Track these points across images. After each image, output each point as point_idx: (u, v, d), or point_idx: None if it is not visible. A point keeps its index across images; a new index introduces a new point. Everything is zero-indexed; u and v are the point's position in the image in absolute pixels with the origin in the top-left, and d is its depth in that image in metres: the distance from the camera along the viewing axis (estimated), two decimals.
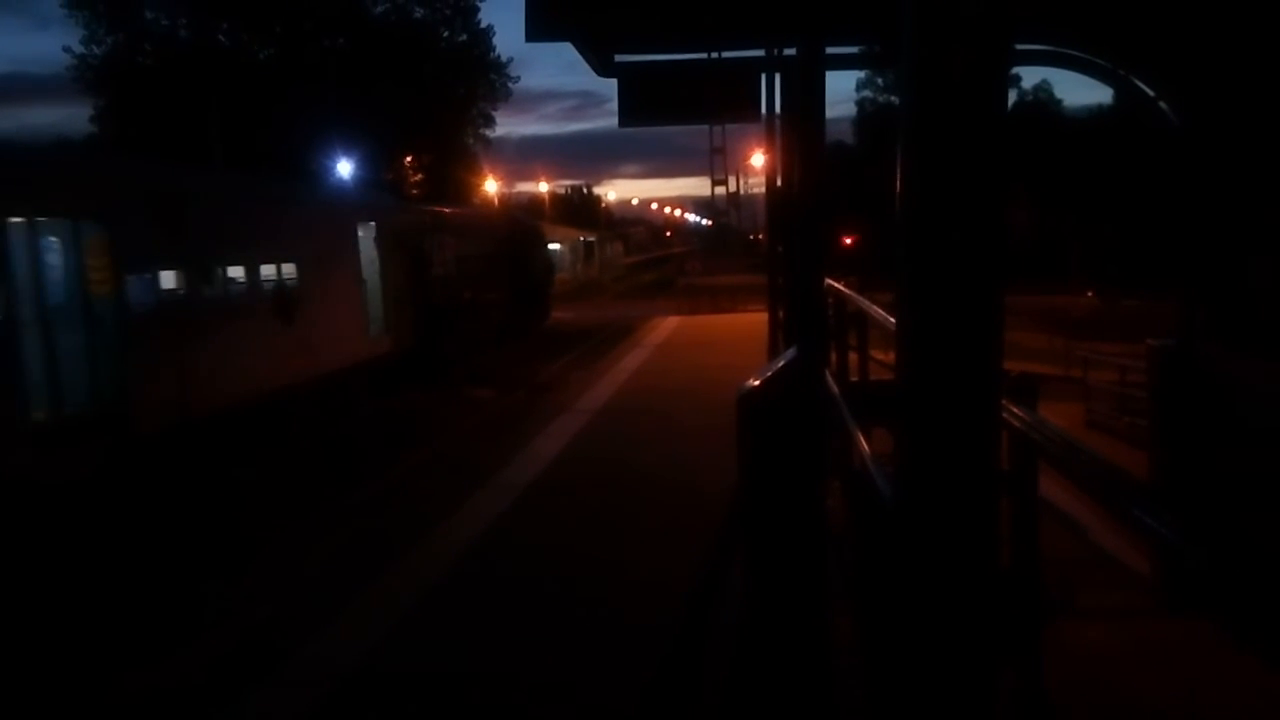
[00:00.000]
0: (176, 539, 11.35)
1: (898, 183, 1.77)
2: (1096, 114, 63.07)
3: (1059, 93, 75.86)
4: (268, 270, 18.52)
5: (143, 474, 13.27)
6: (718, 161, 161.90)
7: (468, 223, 31.92)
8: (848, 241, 58.25)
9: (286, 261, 19.12)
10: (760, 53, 10.54)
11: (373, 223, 23.37)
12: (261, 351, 17.72)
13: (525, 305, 34.13)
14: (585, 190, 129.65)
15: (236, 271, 17.44)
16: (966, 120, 1.67)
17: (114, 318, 14.01)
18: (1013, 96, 69.37)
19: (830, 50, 7.47)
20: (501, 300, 31.34)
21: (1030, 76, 70.23)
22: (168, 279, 15.37)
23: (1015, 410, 2.64)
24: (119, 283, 14.19)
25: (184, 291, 15.70)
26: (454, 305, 26.93)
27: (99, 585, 9.88)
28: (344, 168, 43.41)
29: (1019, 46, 8.81)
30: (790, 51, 8.75)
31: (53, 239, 13.54)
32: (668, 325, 28.87)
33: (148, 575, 10.14)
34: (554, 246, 56.83)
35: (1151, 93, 8.11)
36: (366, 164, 45.45)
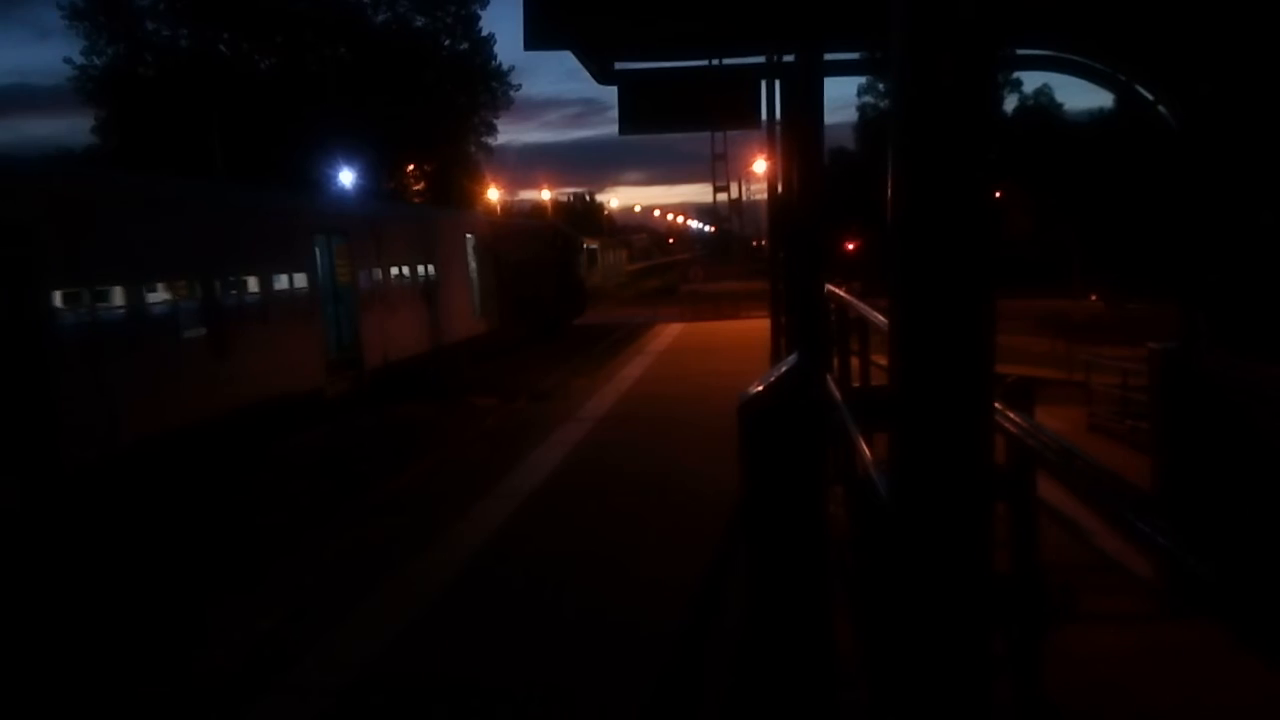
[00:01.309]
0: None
1: (889, 188, 1.77)
2: (1098, 118, 63.07)
3: (1060, 97, 75.93)
4: (420, 269, 26.90)
5: (371, 393, 22.18)
6: (719, 168, 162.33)
7: (526, 233, 40.53)
8: (850, 247, 58.27)
9: (429, 263, 27.41)
10: (760, 59, 10.56)
11: (471, 235, 31.69)
12: (419, 324, 26.28)
13: (568, 300, 41.85)
14: (588, 197, 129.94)
15: (405, 270, 25.93)
16: (956, 125, 1.68)
17: (351, 297, 23.03)
18: (1014, 101, 69.50)
19: (829, 57, 7.49)
20: (551, 296, 38.60)
21: (1031, 81, 70.29)
22: (376, 274, 24.18)
23: (1011, 415, 2.64)
24: (354, 275, 23.11)
25: (382, 282, 24.43)
26: (523, 298, 34.64)
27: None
28: (346, 177, 43.50)
29: (1020, 51, 8.83)
30: (790, 58, 8.77)
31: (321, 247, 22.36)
32: (671, 332, 28.87)
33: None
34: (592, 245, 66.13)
35: (1151, 97, 8.12)
36: (368, 172, 45.55)
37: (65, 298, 13.83)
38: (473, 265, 31.12)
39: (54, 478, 12.99)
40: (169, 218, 16.71)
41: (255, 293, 18.91)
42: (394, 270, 25.14)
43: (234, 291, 18.18)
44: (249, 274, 18.68)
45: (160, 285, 16.04)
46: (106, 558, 11.37)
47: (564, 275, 41.82)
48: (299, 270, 20.72)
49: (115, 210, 15.51)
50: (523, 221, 47.78)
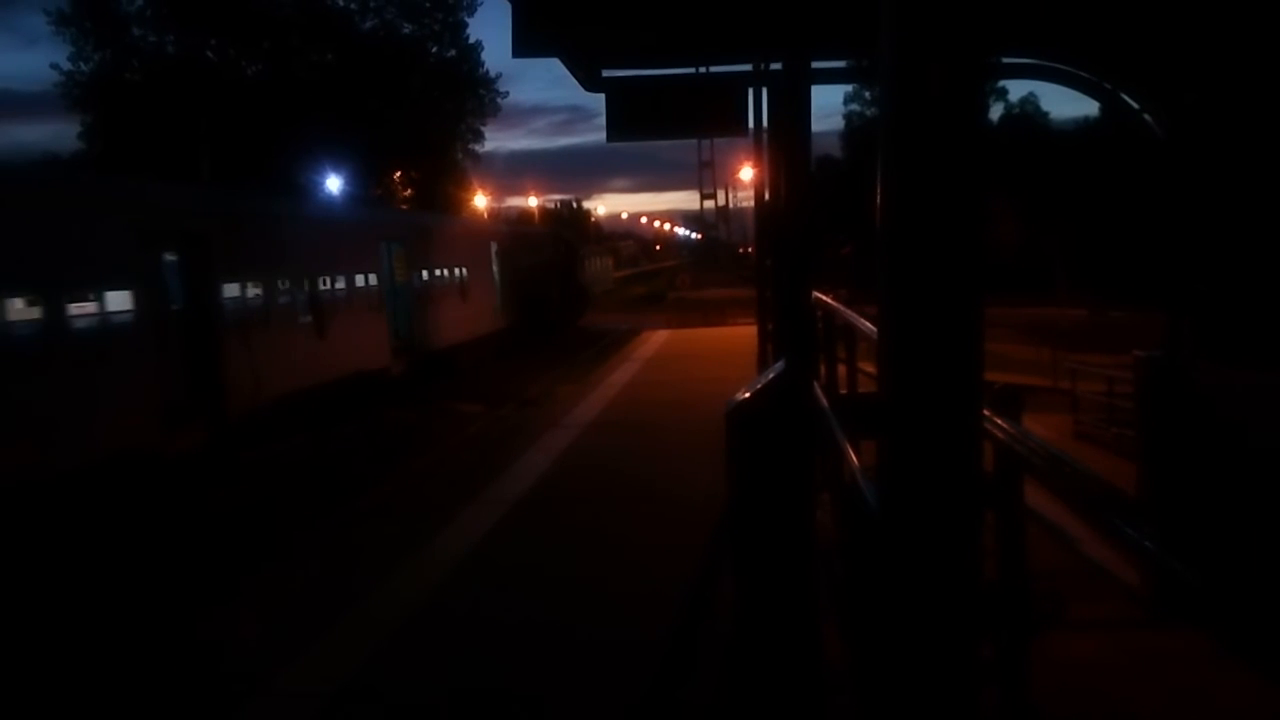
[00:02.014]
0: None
1: (878, 196, 1.78)
2: (1083, 126, 63.33)
3: (1045, 105, 76.19)
4: (457, 271, 31.55)
5: (425, 372, 26.72)
6: (706, 175, 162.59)
7: (536, 240, 46.21)
8: (845, 252, 58.34)
9: (463, 266, 32.20)
10: (747, 67, 10.58)
11: (494, 243, 36.95)
12: (456, 318, 30.70)
13: (571, 302, 46.52)
14: (575, 204, 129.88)
15: (446, 271, 30.70)
16: (944, 134, 1.69)
17: (406, 293, 27.47)
18: (1000, 109, 69.72)
19: (816, 65, 7.50)
20: (557, 298, 43.21)
21: (1017, 89, 70.52)
22: (425, 275, 28.96)
23: (999, 422, 2.65)
24: (409, 275, 27.74)
25: (429, 282, 29.18)
26: (535, 299, 39.12)
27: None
28: (332, 183, 43.45)
29: (1006, 60, 8.88)
30: (776, 66, 8.79)
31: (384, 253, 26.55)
32: (658, 339, 28.89)
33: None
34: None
35: (1136, 105, 8.16)
36: (355, 179, 45.48)
37: (226, 289, 18.50)
38: (495, 269, 36.09)
39: (222, 426, 17.27)
40: (287, 229, 21.81)
41: (342, 289, 23.56)
42: (438, 272, 30.19)
43: (328, 287, 22.71)
44: (338, 274, 23.38)
45: (282, 281, 20.67)
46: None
47: (567, 280, 46.38)
48: (372, 271, 25.45)
49: (255, 223, 20.34)
50: (532, 230, 53.08)
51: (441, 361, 28.26)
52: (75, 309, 14.39)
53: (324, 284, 22.52)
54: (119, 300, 15.29)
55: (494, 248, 36.41)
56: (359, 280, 24.47)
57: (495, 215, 69.79)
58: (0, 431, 12.63)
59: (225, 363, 17.85)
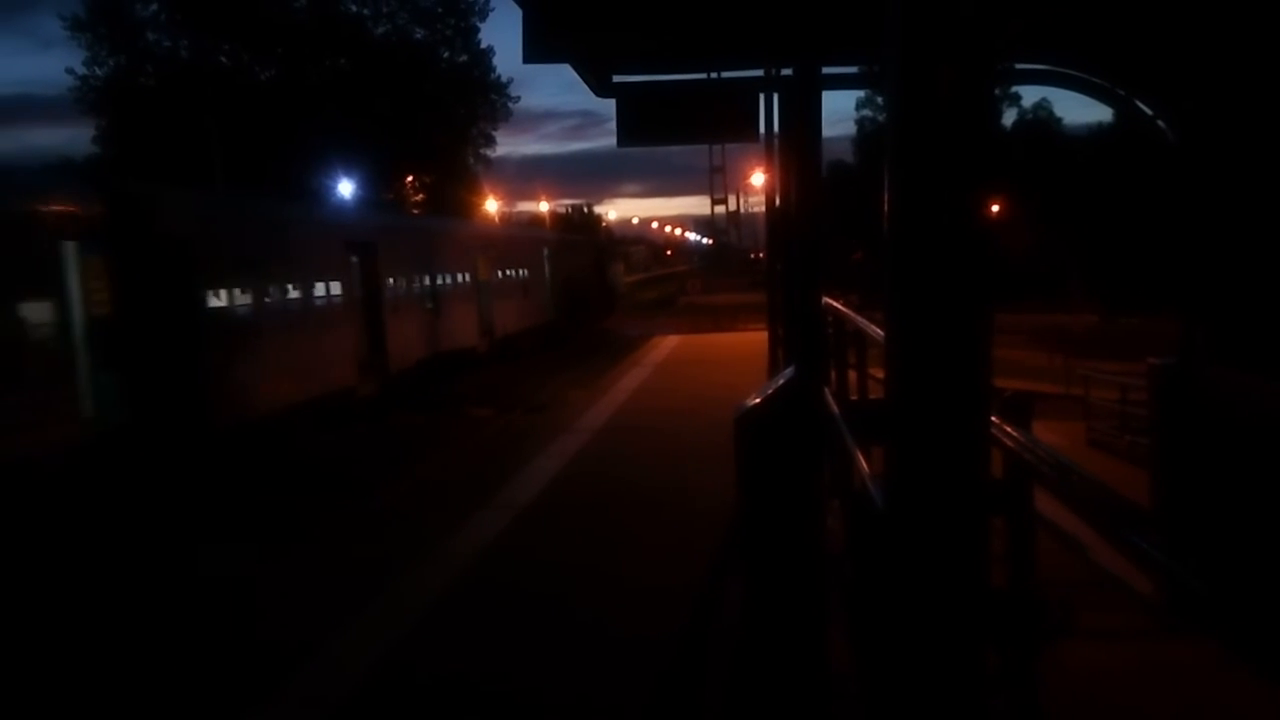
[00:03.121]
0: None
1: (886, 201, 1.76)
2: (1096, 132, 63.17)
3: (1059, 111, 76.02)
4: (521, 272, 38.32)
5: (502, 351, 32.99)
6: (717, 180, 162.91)
7: (575, 246, 52.81)
8: (856, 257, 58.29)
9: (524, 268, 38.77)
10: (758, 73, 10.57)
11: (545, 248, 43.79)
12: (520, 310, 37.51)
13: (603, 301, 53.16)
14: (586, 209, 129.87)
15: (513, 272, 37.37)
16: (953, 139, 1.67)
17: (487, 290, 33.63)
18: (1012, 115, 69.59)
19: (827, 70, 7.50)
20: (592, 297, 49.76)
21: (1030, 95, 70.39)
22: (499, 275, 35.33)
23: (1008, 430, 2.63)
24: (490, 275, 34.07)
25: (502, 281, 35.58)
26: (576, 298, 45.23)
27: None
28: (345, 188, 43.57)
29: (1018, 66, 8.85)
30: (787, 71, 8.78)
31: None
32: (668, 344, 28.88)
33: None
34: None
35: (1149, 111, 8.13)
36: (367, 184, 45.60)
37: (385, 282, 25.13)
38: (546, 271, 42.34)
39: (387, 377, 24.38)
40: (418, 239, 29.33)
41: (449, 284, 30.34)
42: (508, 273, 36.81)
43: (441, 283, 29.48)
44: (447, 272, 30.16)
45: (417, 278, 27.69)
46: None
47: (600, 281, 53.82)
48: (468, 271, 32.22)
49: (400, 235, 28.18)
50: (573, 238, 59.34)
51: (511, 343, 35.06)
52: (318, 294, 22.05)
53: (439, 280, 29.46)
54: (336, 289, 22.74)
55: (545, 252, 43.40)
56: (460, 278, 31.44)
57: (506, 220, 70.02)
58: (281, 370, 19.63)
59: (387, 335, 24.83)
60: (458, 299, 30.73)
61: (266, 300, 19.62)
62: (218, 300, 18.05)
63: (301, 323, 20.82)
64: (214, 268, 18.00)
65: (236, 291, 18.60)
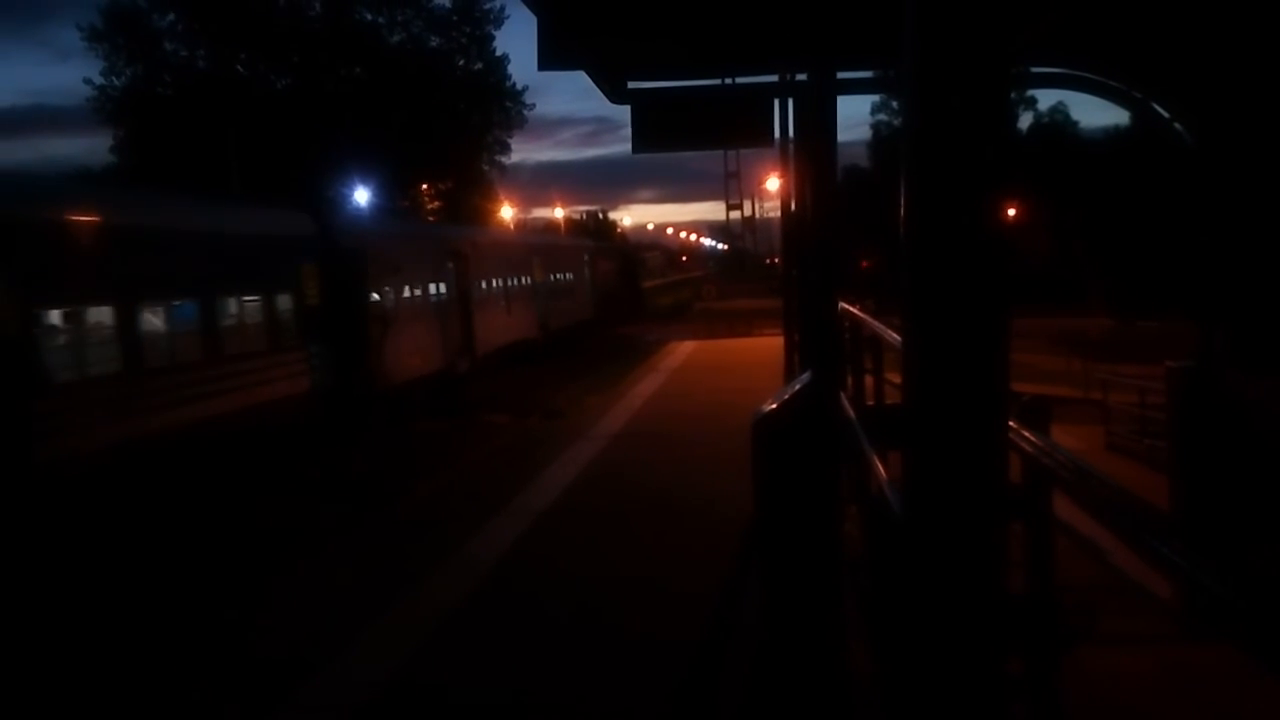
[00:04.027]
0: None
1: (903, 206, 1.76)
2: (1113, 135, 62.87)
3: (1075, 114, 75.67)
4: (568, 276, 44.74)
5: (555, 343, 38.69)
6: (732, 186, 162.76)
7: (610, 253, 61.80)
8: (864, 265, 58.22)
9: (570, 272, 45.36)
10: (773, 78, 10.56)
11: (586, 255, 50.14)
12: (567, 308, 43.31)
13: (633, 302, 61.49)
14: (601, 215, 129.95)
15: (562, 275, 43.48)
16: (970, 143, 1.67)
17: (542, 290, 39.35)
18: (1029, 118, 69.31)
19: (842, 75, 7.49)
20: (624, 298, 58.13)
21: (1046, 98, 70.09)
22: (549, 278, 40.80)
23: (1027, 434, 2.62)
24: (544, 278, 39.82)
25: (551, 283, 40.82)
26: (610, 298, 53.11)
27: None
28: (360, 195, 43.73)
29: (1034, 69, 8.82)
30: (802, 77, 8.78)
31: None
32: (684, 349, 28.88)
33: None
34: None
35: (1167, 114, 8.09)
36: (383, 191, 45.76)
37: (473, 284, 30.54)
38: (587, 274, 48.59)
39: (474, 361, 29.48)
40: (494, 248, 35.35)
41: (515, 285, 36.00)
42: (558, 276, 42.81)
43: (509, 284, 35.13)
44: (514, 276, 35.86)
45: (493, 280, 33.31)
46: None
47: (630, 284, 63.12)
48: (529, 275, 37.97)
49: (482, 245, 33.54)
50: (608, 245, 68.67)
51: (562, 337, 40.46)
52: (432, 294, 27.47)
53: (509, 282, 35.17)
54: (442, 289, 28.21)
55: (586, 258, 49.62)
56: (523, 280, 37.12)
57: (520, 226, 70.38)
58: (405, 353, 24.27)
59: (474, 327, 29.96)
60: (520, 298, 36.44)
61: (403, 297, 25.18)
62: (377, 298, 23.40)
63: (423, 315, 26.49)
64: (373, 273, 23.23)
65: (387, 291, 24.03)
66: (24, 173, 24.07)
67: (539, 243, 45.27)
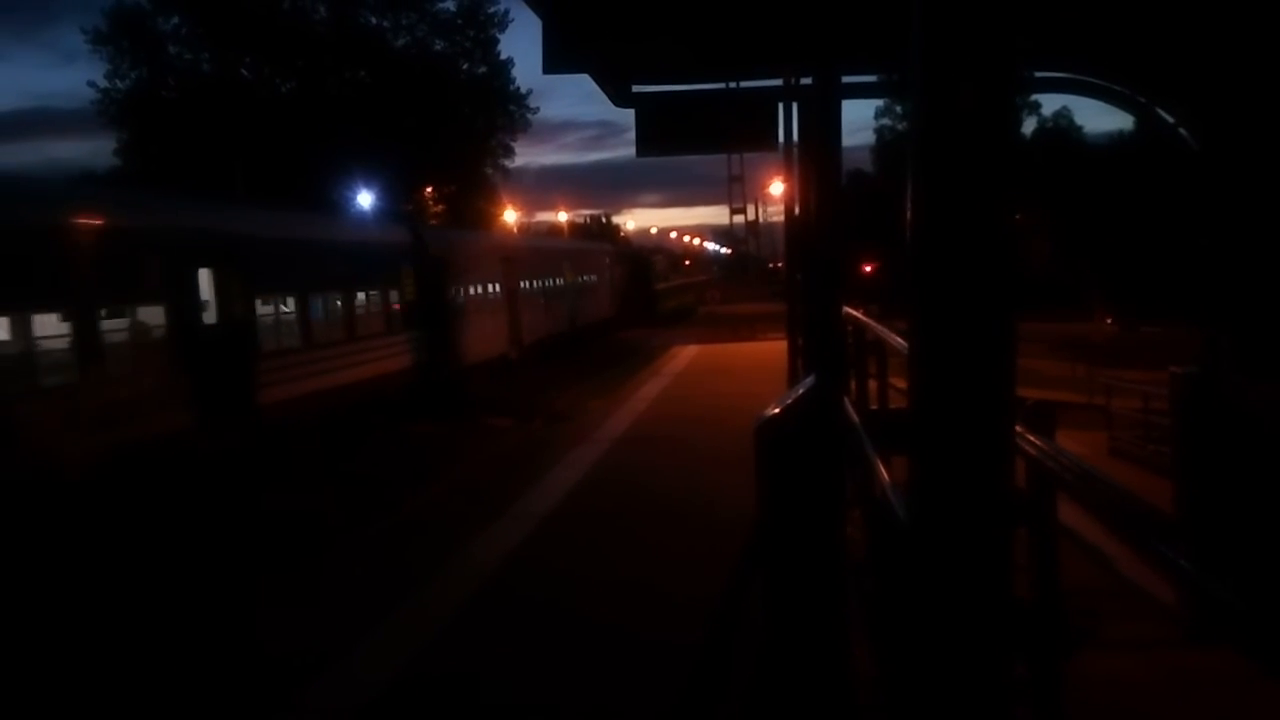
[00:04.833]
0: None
1: (908, 210, 1.77)
2: (1117, 140, 62.87)
3: (1079, 119, 75.67)
4: (592, 277, 49.16)
5: (582, 336, 43.63)
6: (736, 190, 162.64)
7: (627, 257, 68.24)
8: (868, 269, 58.23)
9: (594, 274, 50.01)
10: (777, 82, 10.57)
11: (606, 258, 55.62)
12: (591, 306, 48.02)
13: (647, 302, 67.28)
14: (604, 219, 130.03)
15: (588, 277, 48.30)
16: (976, 148, 1.67)
17: (571, 290, 44.73)
18: (1032, 123, 69.34)
19: (846, 80, 7.49)
20: (638, 298, 63.31)
21: (1051, 103, 70.11)
22: (578, 280, 46.24)
23: (1031, 438, 2.62)
24: (574, 279, 45.65)
25: (580, 284, 46.45)
26: (627, 298, 58.15)
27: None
28: (364, 198, 43.77)
29: (1039, 74, 8.83)
30: (807, 81, 8.78)
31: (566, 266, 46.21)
32: (687, 353, 28.87)
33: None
34: None
35: (1171, 119, 8.09)
36: (387, 194, 45.79)
37: (518, 284, 35.16)
38: (608, 276, 53.90)
39: (521, 349, 33.99)
40: (537, 253, 42.13)
41: (551, 285, 40.95)
42: (584, 277, 47.74)
43: (546, 285, 40.14)
44: (550, 277, 40.98)
45: (534, 280, 38.07)
46: None
47: (644, 286, 69.37)
48: (561, 276, 42.62)
49: (525, 250, 40.50)
50: (625, 249, 76.38)
51: (588, 331, 45.31)
52: (488, 292, 32.19)
53: (546, 283, 39.98)
54: (496, 288, 32.97)
55: (607, 261, 55.29)
56: (557, 281, 41.99)
57: (525, 230, 70.59)
58: (473, 340, 29.33)
59: (519, 320, 34.73)
60: (555, 297, 41.51)
61: (471, 294, 30.37)
62: (453, 294, 28.44)
63: (485, 309, 31.48)
64: (451, 275, 28.37)
65: (460, 289, 29.28)
66: (218, 194, 29.34)
67: (569, 247, 53.87)
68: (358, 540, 10.78)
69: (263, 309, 18.63)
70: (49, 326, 13.57)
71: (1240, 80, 6.72)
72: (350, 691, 6.56)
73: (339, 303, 21.86)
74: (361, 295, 22.89)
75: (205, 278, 16.96)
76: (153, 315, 15.61)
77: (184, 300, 16.18)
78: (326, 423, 18.96)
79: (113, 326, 14.83)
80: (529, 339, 35.35)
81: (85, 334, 13.86)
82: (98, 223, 14.87)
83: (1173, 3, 6.78)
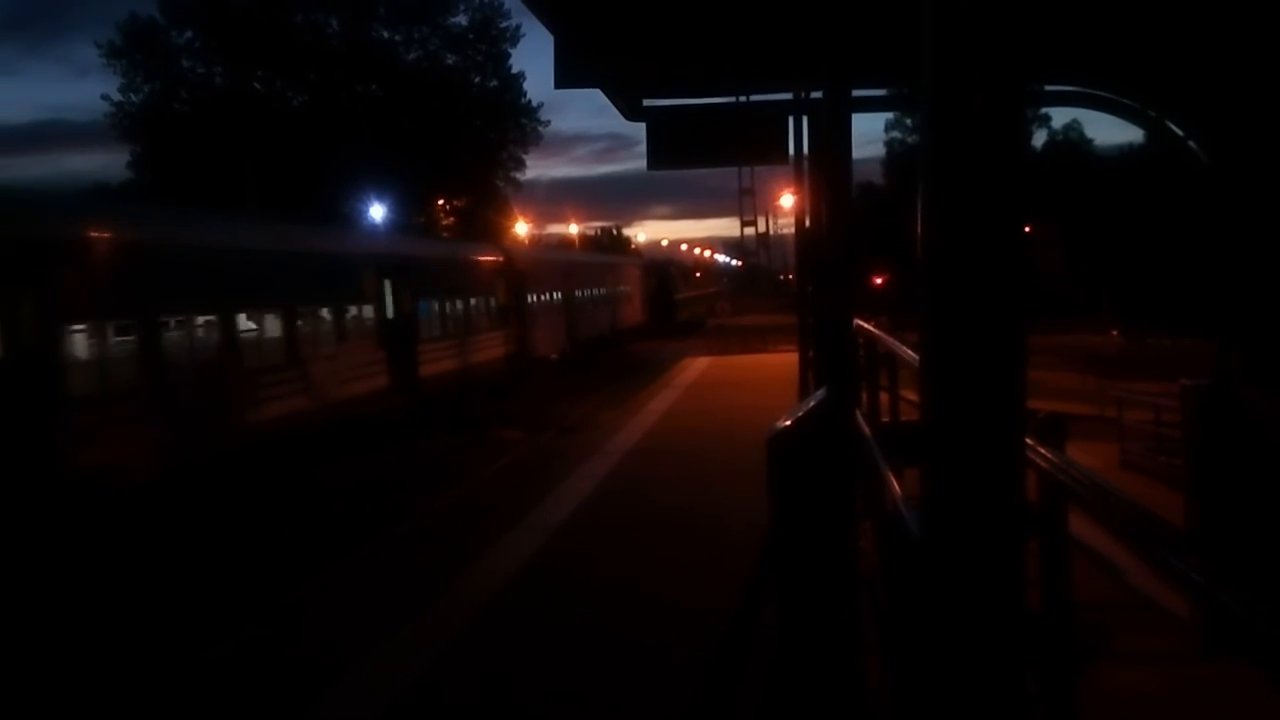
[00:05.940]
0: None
1: (919, 223, 1.78)
2: (1127, 153, 62.75)
3: (1089, 132, 75.55)
4: (626, 288, 57.54)
5: (621, 338, 50.55)
6: (747, 202, 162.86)
7: (653, 269, 75.57)
8: (878, 281, 58.17)
9: (628, 285, 58.36)
10: (788, 96, 10.60)
11: (637, 270, 63.83)
12: (626, 314, 56.25)
13: (670, 310, 73.65)
14: (615, 232, 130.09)
15: (623, 287, 56.81)
16: (986, 161, 1.69)
17: (611, 298, 53.46)
18: (1042, 136, 69.25)
19: (857, 93, 7.51)
20: (663, 306, 70.60)
21: (1060, 116, 70.05)
22: (613, 289, 54.35)
23: (1043, 451, 2.62)
24: (613, 289, 54.87)
25: (614, 294, 53.72)
26: (655, 306, 65.62)
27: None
28: (376, 211, 43.92)
29: (1049, 87, 8.83)
30: (817, 94, 8.80)
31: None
32: (698, 365, 28.87)
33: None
34: None
35: (1181, 133, 8.09)
36: (398, 207, 45.94)
37: (575, 292, 42.84)
38: (640, 286, 60.65)
39: (575, 347, 41.02)
40: (584, 264, 50.68)
41: (598, 294, 47.94)
42: (620, 287, 54.69)
43: (594, 294, 46.94)
44: (596, 287, 47.88)
45: (585, 290, 45.08)
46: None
47: (667, 295, 76.18)
48: (604, 286, 49.25)
49: (579, 263, 50.04)
50: (652, 262, 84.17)
51: (625, 333, 51.45)
52: (553, 298, 39.03)
53: (594, 292, 47.05)
54: (557, 296, 39.38)
55: (638, 273, 63.02)
56: (601, 291, 49.01)
57: (536, 242, 70.87)
58: (542, 339, 36.58)
59: (576, 322, 41.62)
60: (601, 303, 49.00)
61: (540, 300, 37.16)
62: (530, 300, 35.24)
63: (549, 313, 38.66)
64: (528, 284, 35.13)
65: (535, 296, 36.08)
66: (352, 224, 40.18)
67: (609, 261, 63.42)
68: (368, 549, 10.81)
69: (420, 309, 25.75)
70: (323, 317, 20.94)
71: (1250, 94, 6.72)
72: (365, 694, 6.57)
73: (459, 305, 28.76)
74: (474, 300, 29.94)
75: (388, 286, 24.03)
76: (369, 311, 23.13)
77: (382, 301, 23.76)
78: (452, 395, 25.75)
79: (351, 316, 22.32)
80: (582, 337, 42.49)
81: (339, 321, 21.48)
82: (349, 251, 23.71)
83: (1182, 17, 6.79)
